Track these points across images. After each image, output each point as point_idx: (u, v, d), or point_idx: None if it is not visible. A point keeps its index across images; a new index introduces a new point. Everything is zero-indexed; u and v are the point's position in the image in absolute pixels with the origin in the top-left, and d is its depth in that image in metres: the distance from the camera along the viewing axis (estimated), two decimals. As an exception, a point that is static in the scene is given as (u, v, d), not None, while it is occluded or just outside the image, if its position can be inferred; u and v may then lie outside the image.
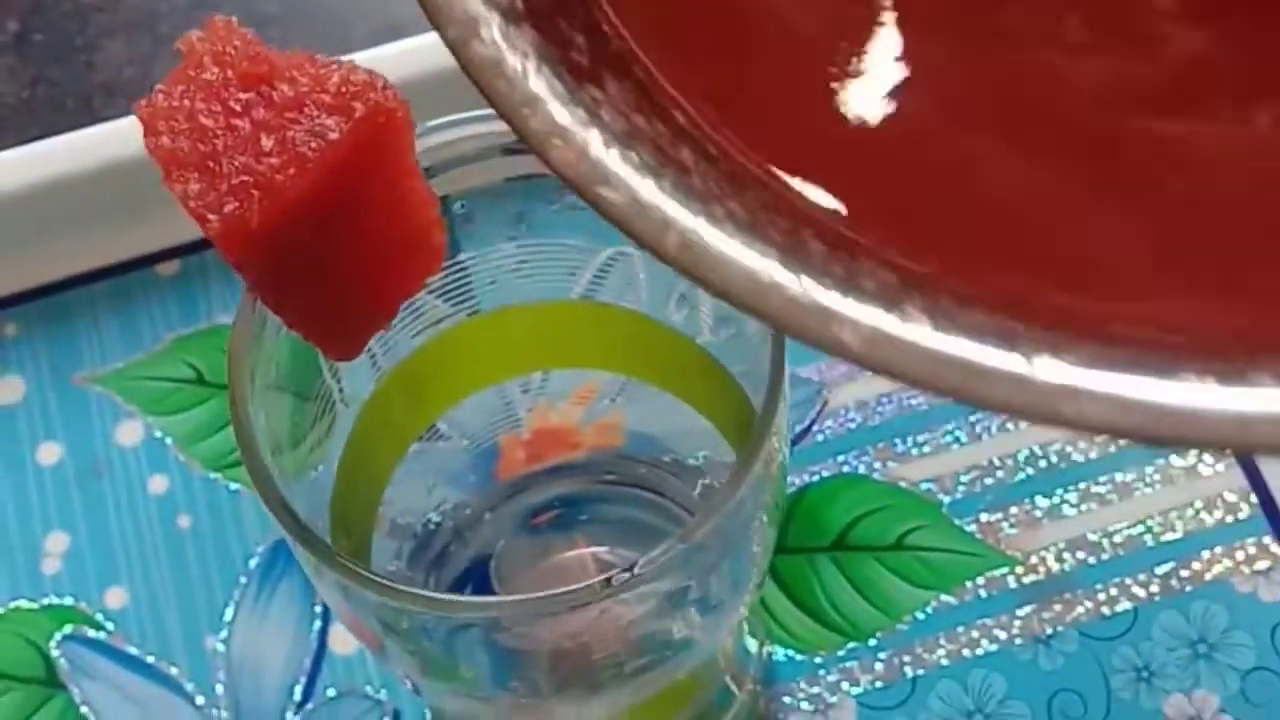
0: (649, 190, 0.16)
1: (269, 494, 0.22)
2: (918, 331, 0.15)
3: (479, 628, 0.23)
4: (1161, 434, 0.15)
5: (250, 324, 0.23)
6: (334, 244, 0.21)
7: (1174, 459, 0.37)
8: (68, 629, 0.37)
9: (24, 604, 0.37)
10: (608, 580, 0.21)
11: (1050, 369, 0.15)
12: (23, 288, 0.41)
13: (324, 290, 0.22)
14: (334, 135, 0.20)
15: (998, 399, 0.15)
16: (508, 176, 0.27)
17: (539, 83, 0.16)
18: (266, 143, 0.20)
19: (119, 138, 0.40)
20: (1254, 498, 0.37)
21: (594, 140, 0.16)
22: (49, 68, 0.44)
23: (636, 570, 0.21)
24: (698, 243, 0.15)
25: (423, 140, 0.26)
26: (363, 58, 0.40)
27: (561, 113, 0.16)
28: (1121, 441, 0.37)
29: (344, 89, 0.20)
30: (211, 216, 0.20)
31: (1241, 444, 0.15)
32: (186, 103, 0.21)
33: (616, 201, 0.16)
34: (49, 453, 0.39)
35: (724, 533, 0.23)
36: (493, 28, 0.17)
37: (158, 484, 0.38)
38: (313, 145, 0.20)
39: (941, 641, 0.36)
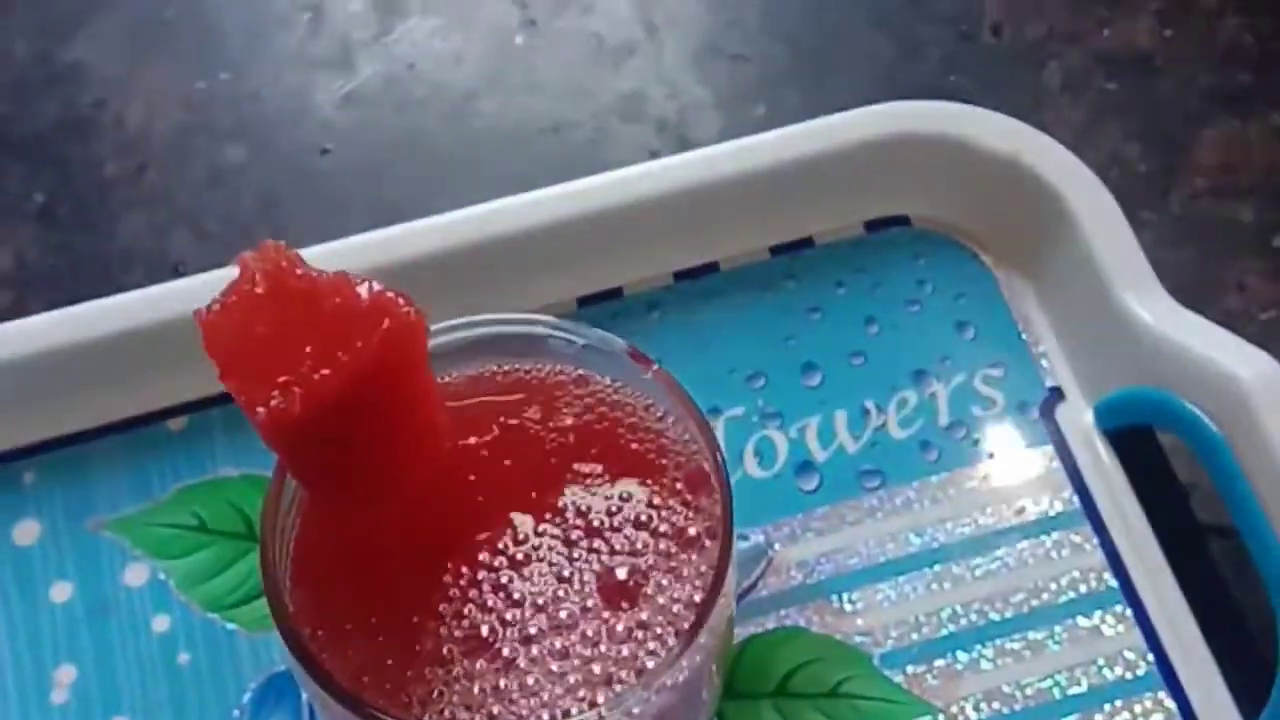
0: None
1: (286, 630, 0.26)
2: None
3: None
4: None
5: (282, 496, 0.27)
6: (363, 430, 0.26)
7: (1080, 620, 0.42)
8: (73, 755, 0.40)
9: (33, 731, 0.40)
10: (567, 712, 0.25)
11: None
12: (42, 438, 0.44)
13: (351, 468, 0.26)
14: (363, 344, 0.25)
15: None
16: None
17: None
18: (307, 348, 0.24)
19: (135, 307, 0.44)
20: (1150, 657, 0.41)
21: None
22: (72, 237, 0.49)
23: (602, 710, 0.26)
24: None
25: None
26: (365, 239, 0.45)
27: None
28: (1034, 602, 0.42)
29: (373, 305, 0.25)
30: (259, 409, 0.24)
31: None
32: (241, 312, 0.25)
33: None
34: (61, 591, 0.42)
35: (691, 672, 0.27)
36: None
37: (160, 623, 0.42)
38: (346, 352, 0.24)
39: (871, 782, 0.40)
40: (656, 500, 0.29)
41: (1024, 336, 0.46)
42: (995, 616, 0.42)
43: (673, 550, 0.28)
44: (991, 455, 0.44)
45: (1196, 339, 0.42)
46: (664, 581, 0.28)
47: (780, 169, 0.46)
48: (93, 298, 0.44)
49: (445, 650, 0.27)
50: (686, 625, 0.27)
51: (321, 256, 0.44)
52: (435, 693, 0.27)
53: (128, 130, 0.51)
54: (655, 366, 0.29)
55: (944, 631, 0.42)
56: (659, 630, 0.27)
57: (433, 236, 0.45)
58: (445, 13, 0.53)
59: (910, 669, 0.41)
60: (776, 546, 0.43)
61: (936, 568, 0.42)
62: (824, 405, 0.45)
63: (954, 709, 0.41)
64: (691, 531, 0.28)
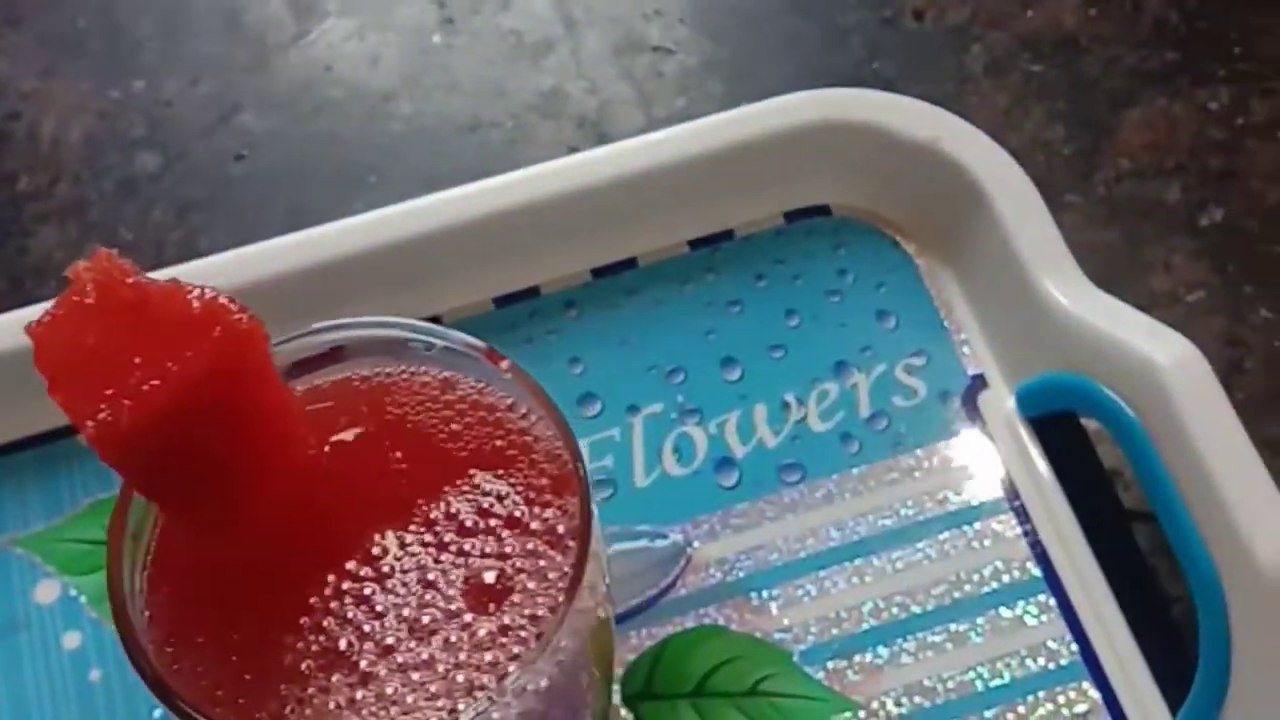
0: None
1: (130, 645, 0.26)
2: None
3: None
4: None
5: (129, 512, 0.27)
6: (203, 445, 0.25)
7: (1002, 610, 0.41)
8: (-18, 777, 0.40)
9: (-58, 753, 0.40)
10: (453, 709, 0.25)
11: None
12: (-47, 455, 0.44)
13: (197, 482, 0.26)
14: (194, 353, 0.24)
15: None
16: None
17: None
18: (137, 359, 0.24)
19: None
20: (1074, 646, 0.40)
21: None
22: (-15, 251, 0.48)
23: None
24: None
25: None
26: (279, 243, 0.44)
27: None
28: (956, 594, 0.41)
29: (205, 313, 0.24)
30: (88, 423, 0.24)
31: None
32: (71, 324, 0.24)
33: None
34: (-29, 611, 0.42)
35: (554, 677, 0.27)
36: None
37: (71, 640, 0.41)
38: (176, 362, 0.24)
39: (791, 782, 0.39)
40: (523, 501, 0.28)
41: (946, 324, 0.45)
42: (916, 609, 0.41)
43: (540, 550, 0.28)
44: (913, 446, 0.43)
45: (1113, 323, 0.41)
46: (530, 584, 0.27)
47: (697, 161, 0.46)
48: (4, 312, 0.44)
49: (303, 664, 0.26)
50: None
51: (237, 261, 0.44)
52: (288, 708, 0.26)
53: (41, 142, 0.50)
54: (508, 364, 0.29)
55: (865, 626, 0.41)
56: (523, 634, 0.27)
57: (346, 238, 0.45)
58: (363, 13, 0.53)
59: (831, 665, 0.40)
60: (695, 544, 0.42)
61: (857, 561, 0.42)
62: (744, 400, 0.44)
63: (875, 704, 0.40)
64: (559, 530, 0.28)
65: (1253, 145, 0.49)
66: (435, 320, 0.45)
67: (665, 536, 0.42)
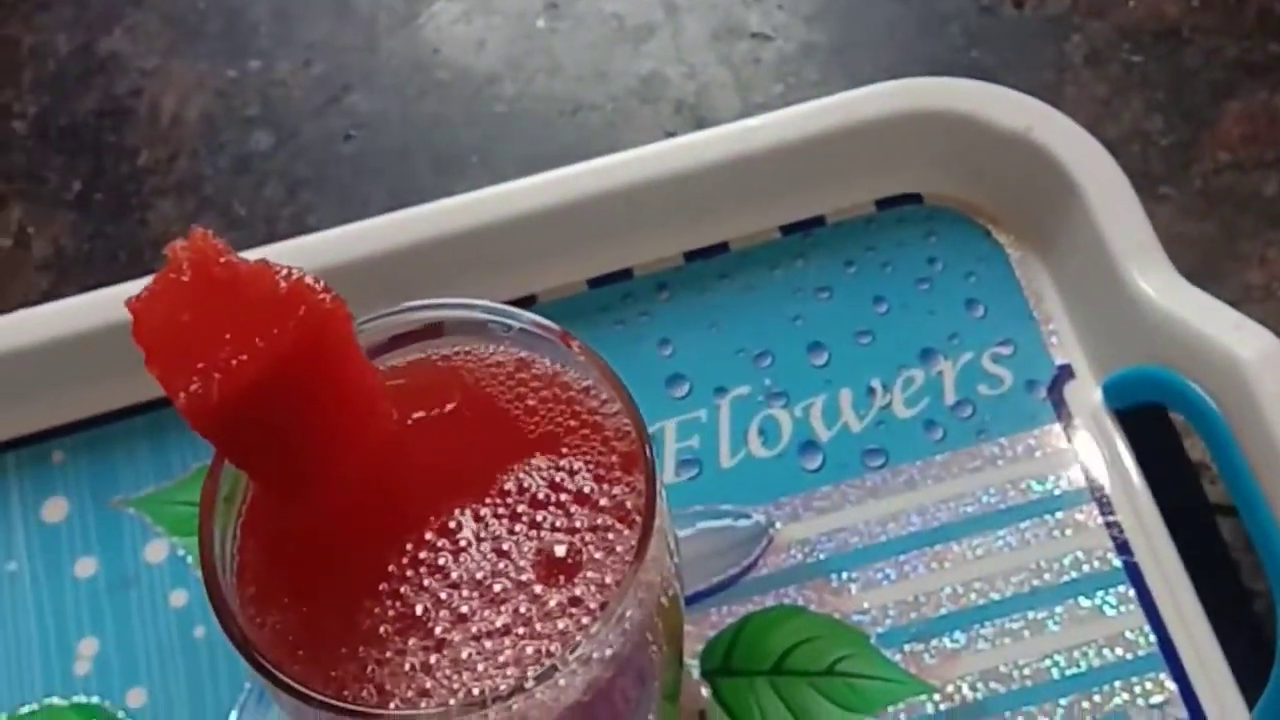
0: None
1: (220, 605, 0.27)
2: None
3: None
4: None
5: (220, 478, 0.28)
6: (289, 417, 0.27)
7: (1081, 600, 0.41)
8: (92, 724, 0.42)
9: (56, 701, 0.42)
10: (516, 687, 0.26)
11: None
12: (72, 419, 0.46)
13: (283, 453, 0.27)
14: (279, 330, 0.25)
15: None
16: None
17: None
18: (227, 335, 0.25)
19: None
20: (1152, 637, 0.41)
21: None
22: (107, 224, 0.50)
23: (527, 684, 0.26)
24: None
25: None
26: (380, 222, 0.45)
27: None
28: (1035, 582, 0.41)
29: (291, 293, 0.25)
30: (181, 394, 0.25)
31: None
32: (167, 300, 0.26)
33: None
34: (85, 567, 0.44)
35: (618, 646, 0.28)
36: None
37: (178, 598, 0.43)
38: (263, 338, 0.25)
39: (864, 760, 0.40)
40: (592, 478, 0.29)
41: (1035, 314, 0.45)
42: (995, 596, 0.42)
43: (608, 524, 0.29)
44: (997, 434, 0.44)
45: (1200, 317, 0.41)
46: (598, 556, 0.28)
47: (791, 147, 0.46)
48: (123, 282, 0.46)
49: (380, 628, 0.28)
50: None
51: (342, 239, 0.46)
52: (368, 668, 0.27)
53: (161, 119, 0.52)
54: (579, 345, 0.30)
55: (943, 610, 0.41)
56: (591, 605, 0.28)
57: (446, 218, 0.46)
58: (470, -3, 0.54)
59: (908, 648, 0.41)
60: (778, 525, 0.43)
61: (937, 547, 0.42)
62: (830, 384, 0.45)
63: (950, 688, 0.40)
64: (627, 505, 0.29)
65: (1357, 139, 0.48)
66: (530, 300, 0.46)
67: (748, 516, 0.43)
